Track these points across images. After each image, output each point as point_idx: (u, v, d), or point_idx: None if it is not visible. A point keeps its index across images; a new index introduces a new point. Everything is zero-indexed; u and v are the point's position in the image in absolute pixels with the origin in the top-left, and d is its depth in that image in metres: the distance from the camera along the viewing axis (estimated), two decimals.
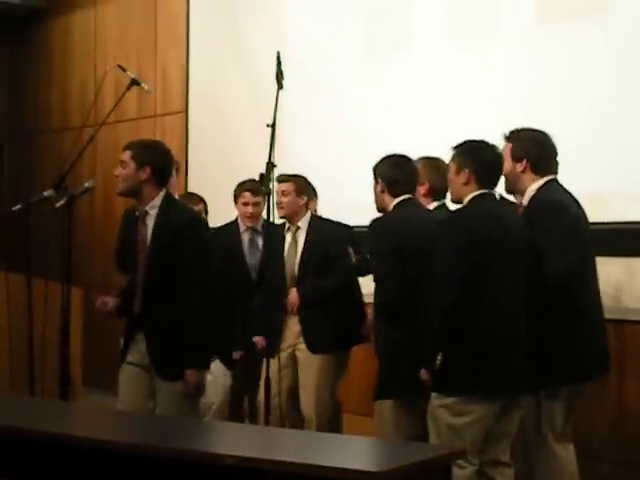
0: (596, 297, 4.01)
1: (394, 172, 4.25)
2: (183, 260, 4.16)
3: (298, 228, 5.15)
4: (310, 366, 5.04)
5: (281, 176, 5.04)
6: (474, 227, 3.73)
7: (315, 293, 5.03)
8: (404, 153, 4.36)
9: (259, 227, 5.42)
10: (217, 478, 2.80)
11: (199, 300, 4.15)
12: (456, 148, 3.93)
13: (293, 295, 5.02)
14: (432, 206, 4.45)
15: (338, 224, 5.25)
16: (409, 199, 4.25)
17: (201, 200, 5.47)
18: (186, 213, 4.36)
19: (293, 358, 5.10)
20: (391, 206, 4.26)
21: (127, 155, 4.26)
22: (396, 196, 4.24)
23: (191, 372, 4.16)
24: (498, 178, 3.92)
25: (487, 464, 3.81)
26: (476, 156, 3.84)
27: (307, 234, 5.13)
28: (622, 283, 4.91)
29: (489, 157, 3.86)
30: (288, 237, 5.17)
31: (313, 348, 5.03)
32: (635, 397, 4.96)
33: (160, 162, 4.28)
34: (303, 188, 5.17)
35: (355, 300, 5.19)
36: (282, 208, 5.08)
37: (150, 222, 4.24)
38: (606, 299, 4.18)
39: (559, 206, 3.91)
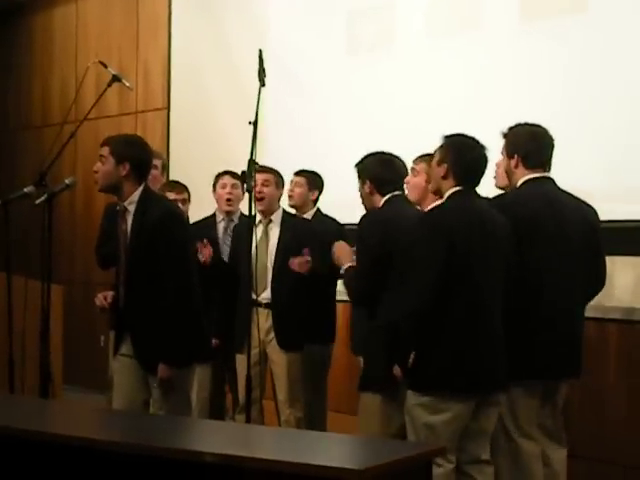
0: (568, 296, 3.98)
1: (381, 171, 4.22)
2: (160, 255, 4.14)
3: (270, 221, 5.10)
4: (281, 364, 5.01)
5: (262, 167, 5.01)
6: (451, 227, 3.68)
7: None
8: (386, 151, 4.35)
9: (235, 217, 5.41)
10: (197, 476, 2.79)
11: (175, 295, 4.13)
12: (446, 138, 3.89)
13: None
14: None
15: (329, 222, 5.29)
16: (398, 195, 4.23)
17: (185, 188, 5.43)
18: (163, 208, 4.29)
19: (264, 355, 5.03)
20: (380, 203, 4.23)
21: (106, 150, 4.25)
22: (385, 195, 4.21)
23: (162, 367, 4.16)
24: (478, 178, 3.86)
25: (467, 462, 3.80)
26: (459, 152, 3.81)
27: (280, 230, 5.07)
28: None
29: (472, 156, 3.81)
30: (259, 231, 5.08)
31: (285, 345, 4.99)
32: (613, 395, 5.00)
33: (139, 157, 4.26)
34: (282, 182, 5.18)
35: (329, 297, 5.19)
36: (262, 199, 5.04)
37: (129, 218, 4.23)
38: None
39: (515, 203, 3.91)
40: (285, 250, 4.99)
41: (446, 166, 3.80)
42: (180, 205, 5.17)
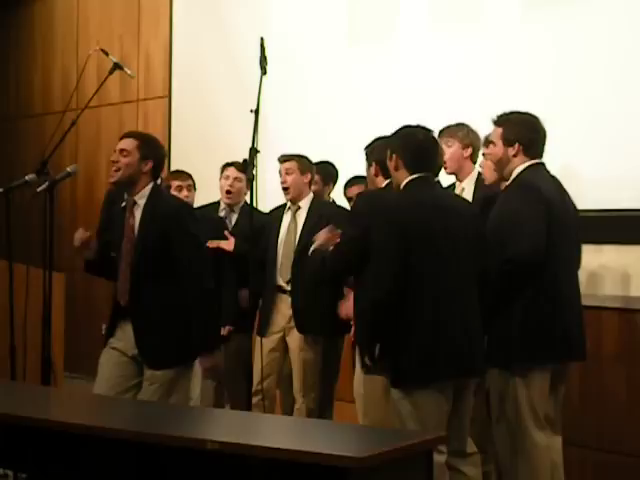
0: (571, 284, 4.01)
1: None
2: (174, 250, 4.16)
3: (299, 208, 5.13)
4: (298, 351, 5.03)
5: (283, 156, 5.12)
6: (404, 216, 3.66)
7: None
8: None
9: (237, 208, 5.42)
10: (199, 463, 2.80)
11: (197, 288, 4.16)
12: (392, 133, 3.91)
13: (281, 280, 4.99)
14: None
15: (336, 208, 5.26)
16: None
17: (189, 176, 5.44)
18: (174, 202, 4.42)
19: (283, 342, 5.08)
20: (383, 184, 4.18)
21: (132, 144, 4.24)
22: (388, 179, 4.13)
23: (203, 358, 4.23)
24: (430, 163, 3.82)
25: (453, 454, 3.78)
26: (403, 141, 3.81)
27: (307, 216, 5.10)
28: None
29: (417, 142, 3.79)
30: (287, 217, 5.14)
31: (303, 330, 4.99)
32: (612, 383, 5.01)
33: (161, 157, 4.36)
34: (306, 167, 5.16)
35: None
36: (287, 188, 5.09)
37: (137, 212, 4.24)
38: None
39: (533, 188, 3.90)
40: (308, 235, 4.98)
41: (394, 157, 3.81)
42: (186, 192, 5.24)
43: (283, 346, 5.08)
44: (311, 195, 5.17)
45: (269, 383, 5.04)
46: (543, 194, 3.88)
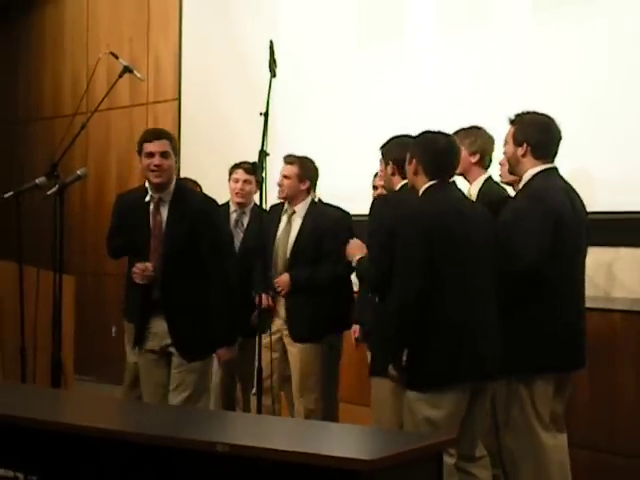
0: (576, 290, 4.00)
1: (404, 153, 4.06)
2: (203, 244, 4.28)
3: (294, 212, 5.12)
4: (295, 354, 5.05)
5: (288, 157, 5.10)
6: (427, 220, 3.69)
7: (308, 283, 5.02)
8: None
9: (248, 210, 5.44)
10: (209, 466, 2.81)
11: (222, 281, 4.29)
12: (413, 138, 3.93)
13: (283, 279, 5.01)
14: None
15: (339, 211, 5.22)
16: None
17: (196, 184, 5.49)
18: (201, 197, 4.57)
19: (281, 343, 5.09)
20: (397, 187, 4.18)
21: (169, 146, 4.37)
22: (405, 178, 4.10)
23: (223, 350, 4.37)
24: (450, 169, 3.85)
25: (462, 458, 3.78)
26: (424, 147, 3.83)
27: (303, 221, 5.10)
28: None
29: (438, 148, 3.81)
30: (284, 219, 5.15)
31: (296, 337, 5.03)
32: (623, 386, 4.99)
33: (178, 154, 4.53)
34: (307, 172, 5.12)
35: (345, 287, 5.19)
36: (283, 190, 5.09)
37: (164, 209, 4.32)
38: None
39: (540, 196, 3.89)
40: (304, 243, 5.04)
41: (415, 161, 3.83)
42: None
43: (282, 347, 5.08)
44: (308, 200, 5.14)
45: (271, 383, 5.01)
46: (550, 206, 3.87)
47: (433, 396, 3.67)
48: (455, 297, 3.66)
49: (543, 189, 3.92)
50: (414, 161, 3.84)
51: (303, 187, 5.10)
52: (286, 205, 5.16)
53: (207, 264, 4.29)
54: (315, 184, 5.20)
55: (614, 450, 5.00)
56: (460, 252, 3.69)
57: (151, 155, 4.31)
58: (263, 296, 4.81)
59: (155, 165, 4.29)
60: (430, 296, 3.63)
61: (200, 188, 5.47)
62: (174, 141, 4.45)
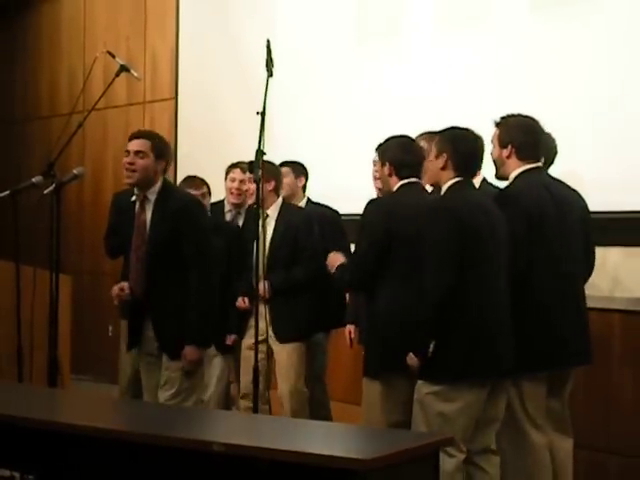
0: (567, 285, 3.99)
1: (401, 154, 4.15)
2: (183, 243, 4.24)
3: (267, 216, 5.07)
4: (281, 355, 5.06)
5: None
6: (461, 214, 3.73)
7: (285, 284, 5.01)
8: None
9: (243, 210, 5.43)
10: (205, 465, 2.81)
11: (199, 281, 4.24)
12: (440, 133, 3.94)
13: (262, 287, 4.96)
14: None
15: (324, 208, 5.25)
16: (413, 183, 4.15)
17: (204, 183, 5.44)
18: (185, 197, 4.48)
19: (267, 346, 5.02)
20: (395, 187, 4.22)
21: (147, 145, 4.30)
22: (402, 179, 4.16)
23: (190, 349, 4.25)
24: (476, 168, 3.94)
25: (475, 452, 3.81)
26: (456, 143, 3.85)
27: (276, 222, 5.09)
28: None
29: (468, 146, 3.87)
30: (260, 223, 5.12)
31: (281, 338, 5.02)
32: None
33: (170, 156, 4.46)
34: (270, 174, 5.03)
35: (328, 284, 5.18)
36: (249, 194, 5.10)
37: (149, 208, 4.30)
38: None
39: (512, 197, 3.93)
40: (279, 245, 5.03)
41: (445, 157, 3.84)
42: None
43: (267, 349, 5.05)
44: (279, 202, 5.13)
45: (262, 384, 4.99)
46: (522, 205, 3.87)
47: (446, 390, 3.69)
48: (478, 294, 3.69)
49: (519, 189, 3.95)
50: (444, 156, 3.84)
51: (270, 187, 5.04)
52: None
53: (188, 263, 4.25)
54: (281, 183, 5.18)
55: (612, 450, 5.01)
56: (486, 250, 3.74)
57: (127, 154, 4.31)
58: (240, 299, 4.91)
59: (128, 163, 4.29)
60: (456, 291, 3.66)
61: (207, 186, 5.45)
62: (159, 142, 4.37)
